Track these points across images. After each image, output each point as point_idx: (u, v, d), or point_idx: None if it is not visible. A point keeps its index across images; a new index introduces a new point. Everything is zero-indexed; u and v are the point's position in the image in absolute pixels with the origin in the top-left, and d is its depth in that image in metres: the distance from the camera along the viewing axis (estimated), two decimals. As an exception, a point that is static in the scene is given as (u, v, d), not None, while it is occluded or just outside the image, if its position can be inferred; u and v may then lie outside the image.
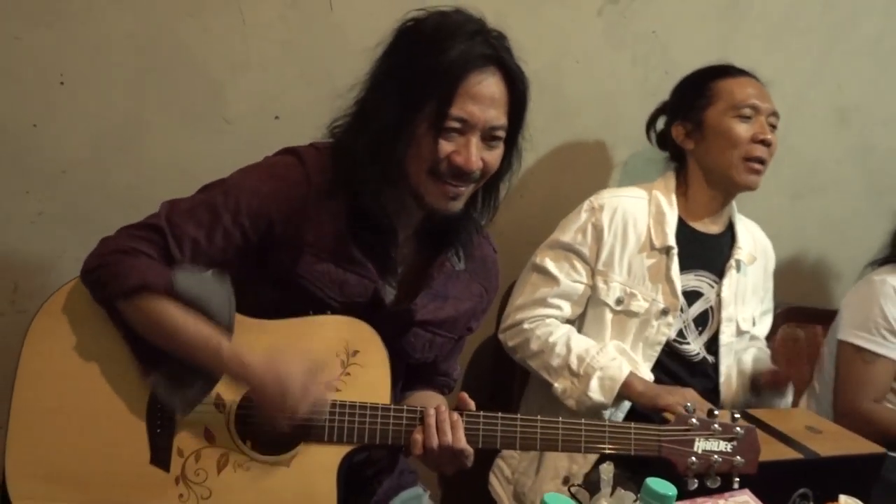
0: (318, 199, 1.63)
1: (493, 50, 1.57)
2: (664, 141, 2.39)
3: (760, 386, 2.30)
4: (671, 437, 1.68)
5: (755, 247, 2.41)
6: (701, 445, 1.69)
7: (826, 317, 2.77)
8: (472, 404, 1.64)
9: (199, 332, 1.53)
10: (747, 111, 2.23)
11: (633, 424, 1.68)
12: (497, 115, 1.59)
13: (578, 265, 2.25)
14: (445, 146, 1.57)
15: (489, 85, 1.57)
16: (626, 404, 2.20)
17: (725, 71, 2.30)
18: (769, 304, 2.50)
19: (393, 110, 1.57)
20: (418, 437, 1.60)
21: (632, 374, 2.13)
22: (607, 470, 1.47)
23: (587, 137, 2.59)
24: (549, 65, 2.46)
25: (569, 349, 2.17)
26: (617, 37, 2.52)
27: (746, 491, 1.75)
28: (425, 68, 1.55)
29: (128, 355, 1.58)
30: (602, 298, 2.23)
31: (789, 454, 1.93)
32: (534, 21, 2.42)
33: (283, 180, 1.64)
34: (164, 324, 1.54)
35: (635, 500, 1.42)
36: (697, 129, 2.29)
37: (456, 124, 1.56)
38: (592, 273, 2.24)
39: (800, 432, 2.08)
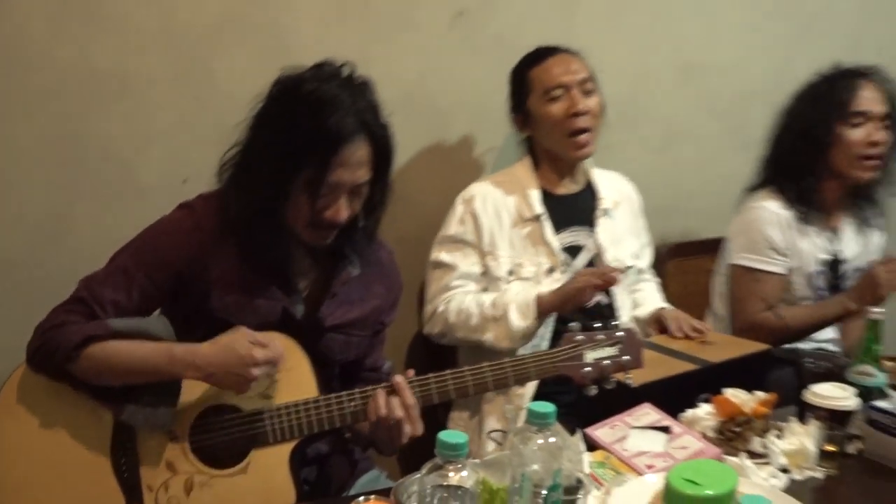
0: (214, 241, 1.73)
1: (361, 121, 1.66)
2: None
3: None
4: (563, 355, 1.79)
5: (618, 194, 2.51)
6: (590, 356, 1.79)
7: (708, 247, 2.87)
8: (411, 372, 1.75)
9: (148, 347, 1.64)
10: (557, 92, 2.32)
11: (527, 355, 1.80)
12: (363, 174, 1.70)
13: (468, 251, 2.35)
14: (318, 206, 1.69)
15: (358, 152, 1.67)
16: (552, 326, 2.30)
17: (536, 57, 2.39)
18: (645, 238, 2.60)
19: (271, 171, 1.67)
20: (374, 402, 1.70)
21: (538, 293, 2.23)
22: (510, 410, 1.57)
23: (463, 138, 2.69)
24: (417, 82, 2.55)
25: (480, 304, 2.28)
26: (470, 45, 2.62)
27: (647, 404, 1.88)
28: (303, 139, 1.64)
29: (82, 419, 1.66)
30: (496, 274, 2.33)
31: (685, 367, 2.04)
32: (395, 48, 2.51)
33: (178, 231, 1.75)
34: (117, 357, 1.63)
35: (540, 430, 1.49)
36: (527, 117, 2.40)
37: (329, 189, 1.67)
38: (482, 254, 2.34)
39: (693, 347, 2.20)
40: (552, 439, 1.33)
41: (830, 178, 2.58)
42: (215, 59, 2.31)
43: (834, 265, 2.62)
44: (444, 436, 1.24)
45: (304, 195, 1.68)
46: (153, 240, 1.76)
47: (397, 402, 1.70)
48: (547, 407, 1.33)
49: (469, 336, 2.29)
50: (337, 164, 1.65)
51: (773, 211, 2.58)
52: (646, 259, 2.60)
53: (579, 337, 1.80)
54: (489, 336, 2.26)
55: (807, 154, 2.55)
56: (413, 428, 1.71)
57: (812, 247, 2.60)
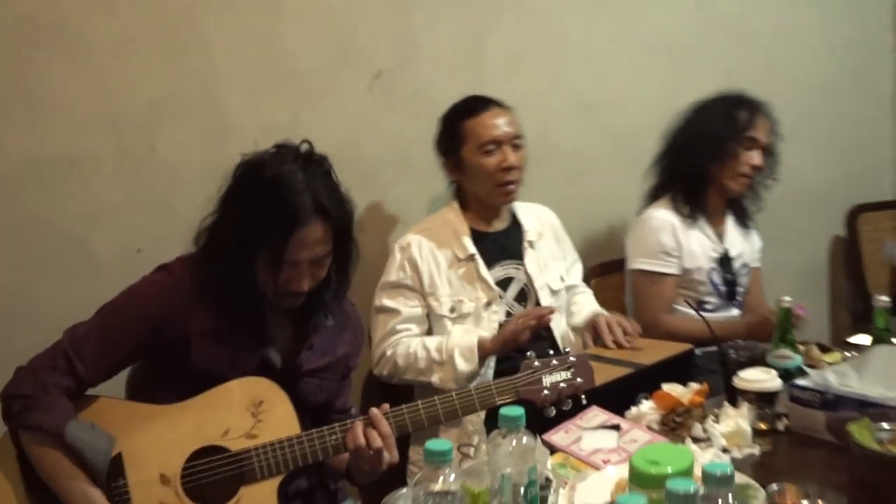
0: (193, 299, 1.80)
1: (316, 203, 1.75)
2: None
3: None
4: (524, 380, 1.90)
5: (540, 224, 2.62)
6: (548, 380, 1.91)
7: (618, 264, 2.98)
8: (385, 406, 1.84)
9: (73, 485, 1.68)
10: (490, 146, 2.42)
11: (492, 382, 1.90)
12: (321, 250, 1.79)
13: (409, 295, 2.41)
14: (281, 279, 1.78)
15: (314, 232, 1.76)
16: (492, 366, 2.39)
17: (472, 109, 2.46)
18: (572, 256, 2.70)
19: (237, 247, 1.76)
20: (352, 433, 1.78)
21: (480, 336, 2.33)
22: (476, 421, 1.67)
23: (392, 189, 2.79)
24: (347, 142, 2.65)
25: (426, 349, 2.35)
26: (390, 103, 2.74)
27: (594, 407, 2.00)
28: (262, 222, 1.74)
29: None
30: (439, 313, 2.40)
31: (622, 372, 2.17)
32: (323, 113, 2.62)
33: (158, 290, 1.82)
34: (47, 466, 1.69)
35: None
36: (459, 164, 2.48)
37: (289, 266, 1.77)
38: (423, 297, 2.42)
39: (627, 354, 2.32)
40: (524, 440, 1.42)
41: (714, 188, 2.80)
42: (157, 135, 2.39)
43: (724, 262, 2.84)
44: (430, 445, 1.32)
45: (267, 270, 1.78)
46: (135, 298, 1.83)
47: (375, 433, 1.78)
48: (517, 410, 1.42)
49: (417, 378, 2.36)
50: (294, 245, 1.75)
51: (663, 218, 2.77)
52: (576, 275, 2.70)
53: (536, 363, 1.92)
54: (436, 378, 2.32)
55: (699, 165, 2.75)
56: (391, 456, 1.81)
57: (702, 247, 2.80)
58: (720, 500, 1.15)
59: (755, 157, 2.74)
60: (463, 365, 2.30)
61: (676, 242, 2.75)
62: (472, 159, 2.45)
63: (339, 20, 2.65)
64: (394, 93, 2.75)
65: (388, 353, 2.39)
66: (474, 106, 2.49)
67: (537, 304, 2.51)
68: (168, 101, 2.39)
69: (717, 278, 2.81)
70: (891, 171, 4.13)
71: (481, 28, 2.92)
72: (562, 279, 2.61)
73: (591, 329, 2.47)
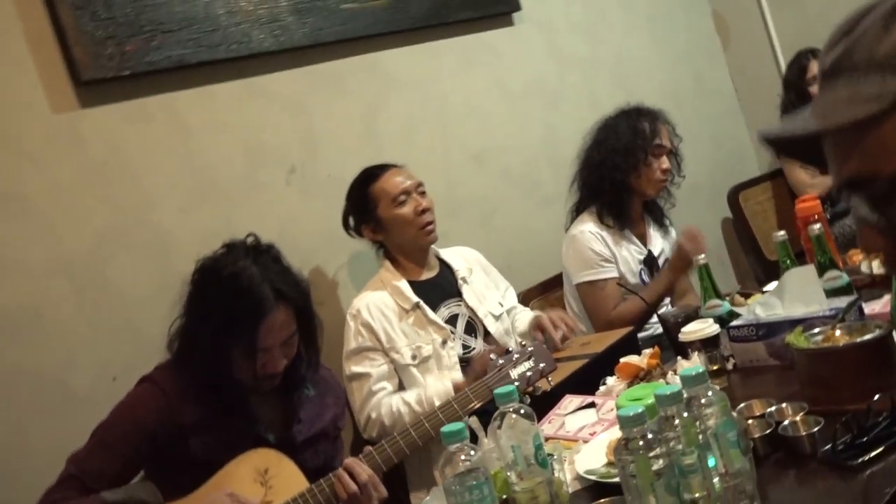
0: (179, 399, 1.85)
1: (275, 290, 1.82)
2: (362, 234, 2.63)
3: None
4: (494, 379, 2.00)
5: (466, 262, 2.71)
6: (515, 372, 2.01)
7: (548, 286, 3.14)
8: (368, 448, 1.90)
9: None
10: (402, 197, 2.53)
11: (467, 387, 1.99)
12: (288, 331, 1.88)
13: (374, 356, 2.45)
14: (258, 364, 1.84)
15: (280, 317, 1.83)
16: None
17: (372, 175, 2.57)
18: (503, 283, 2.80)
19: (208, 347, 1.83)
20: (338, 485, 1.82)
21: (453, 380, 2.39)
22: (474, 421, 1.74)
23: (326, 268, 2.85)
24: (279, 234, 2.52)
25: (408, 403, 2.38)
26: (308, 191, 2.83)
27: (567, 396, 2.10)
28: (227, 319, 1.79)
29: None
30: (403, 363, 2.45)
31: (579, 363, 2.29)
32: (250, 212, 2.67)
33: (146, 400, 1.88)
34: None
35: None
36: (378, 225, 2.57)
37: (262, 353, 1.84)
38: (385, 353, 2.46)
39: (577, 350, 2.44)
40: (522, 411, 1.52)
41: (633, 196, 2.91)
42: (107, 267, 2.42)
43: (649, 261, 2.96)
44: (445, 430, 1.40)
45: (242, 360, 1.84)
46: (126, 411, 1.87)
47: (354, 481, 1.83)
48: (507, 388, 1.51)
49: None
50: (263, 333, 1.82)
51: (591, 231, 2.87)
52: (511, 298, 2.80)
53: (501, 361, 2.01)
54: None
55: (617, 177, 2.85)
56: (378, 492, 1.86)
57: (629, 252, 2.92)
58: (702, 398, 1.26)
59: (665, 162, 2.86)
60: None
61: (609, 250, 2.85)
62: (390, 214, 2.54)
63: (246, 129, 2.73)
64: (310, 182, 2.84)
65: (373, 416, 2.40)
66: (374, 172, 2.60)
67: (485, 331, 2.59)
68: (110, 233, 2.42)
69: (646, 276, 2.92)
70: (751, 152, 4.39)
71: (372, 108, 3.03)
72: (500, 304, 2.69)
73: (536, 328, 2.55)
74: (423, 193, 2.59)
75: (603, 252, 2.85)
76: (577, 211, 2.98)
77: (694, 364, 1.93)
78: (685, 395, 1.26)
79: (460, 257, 2.73)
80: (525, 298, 3.04)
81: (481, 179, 3.31)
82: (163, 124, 2.57)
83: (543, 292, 3.14)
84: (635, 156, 2.82)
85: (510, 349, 2.06)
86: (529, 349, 2.04)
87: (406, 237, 2.57)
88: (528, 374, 2.01)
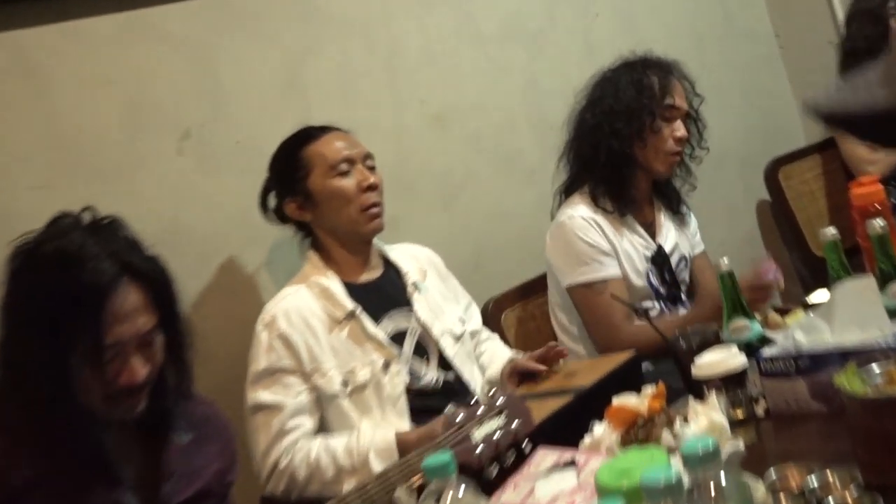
0: (7, 443, 1.69)
1: (120, 264, 1.67)
2: (284, 217, 2.55)
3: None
4: (449, 441, 1.81)
5: (420, 263, 2.64)
6: (479, 433, 1.81)
7: (537, 286, 3.03)
8: None
9: None
10: (343, 166, 2.46)
11: (413, 452, 1.84)
12: (145, 321, 1.71)
13: (290, 380, 2.33)
14: (108, 374, 1.68)
15: (129, 298, 1.69)
16: None
17: (308, 136, 2.51)
18: (465, 297, 2.73)
19: (41, 357, 1.65)
20: None
21: (396, 432, 2.27)
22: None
23: (235, 261, 2.76)
24: (169, 219, 2.62)
25: (332, 453, 2.27)
26: (207, 163, 2.72)
27: (540, 449, 1.94)
28: (60, 309, 1.64)
29: None
30: (329, 392, 2.34)
31: (562, 401, 2.14)
32: (132, 193, 2.58)
33: None
34: None
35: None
36: (308, 199, 2.48)
37: (112, 352, 1.67)
38: (306, 377, 2.34)
39: (561, 382, 2.31)
40: (462, 491, 1.37)
41: (638, 172, 2.83)
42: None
43: (659, 260, 2.86)
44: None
45: (87, 368, 1.67)
46: None
47: None
48: (441, 458, 1.36)
49: (324, 490, 2.28)
50: (109, 322, 1.66)
51: (584, 216, 2.78)
52: (475, 318, 2.72)
53: (460, 417, 1.83)
54: (349, 487, 2.23)
55: (616, 147, 2.78)
56: None
57: (633, 246, 2.82)
58: (711, 484, 1.11)
59: (679, 128, 2.78)
60: (380, 467, 2.20)
61: (608, 240, 2.77)
62: (325, 186, 2.45)
63: (125, 80, 2.63)
64: (210, 151, 2.73)
65: (283, 464, 2.29)
66: (310, 133, 2.52)
67: (440, 355, 2.50)
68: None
69: (654, 280, 2.83)
70: (795, 116, 4.32)
71: (296, 55, 2.93)
72: (461, 322, 2.61)
73: (513, 375, 2.46)
74: (371, 168, 2.53)
75: (600, 243, 2.76)
76: (567, 192, 2.91)
77: (710, 413, 1.80)
78: (686, 485, 1.11)
79: (411, 257, 2.65)
80: (498, 308, 2.96)
81: (443, 148, 3.23)
82: (8, 73, 2.45)
83: (522, 298, 3.05)
84: (640, 119, 2.76)
85: (475, 399, 1.92)
86: (500, 400, 1.87)
87: (342, 219, 2.47)
88: (497, 435, 1.85)
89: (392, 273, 2.58)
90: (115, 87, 2.61)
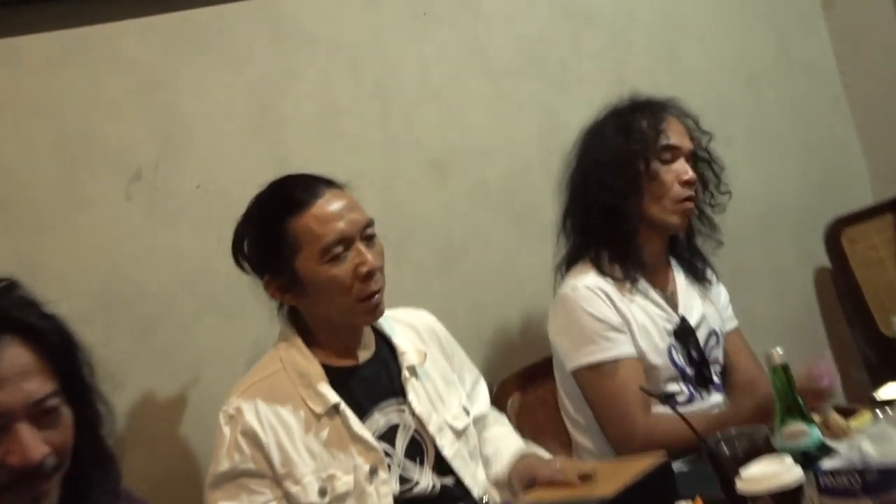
0: None
1: (7, 319, 1.62)
2: (265, 286, 2.45)
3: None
4: None
5: (419, 338, 2.56)
6: None
7: (542, 369, 3.00)
8: None
9: None
10: (338, 249, 2.32)
11: None
12: (38, 387, 1.64)
13: (257, 484, 2.28)
14: None
15: (16, 357, 1.63)
16: None
17: (296, 202, 2.37)
18: (471, 372, 2.68)
19: None
20: None
21: None
22: None
23: (193, 333, 2.73)
24: (109, 270, 2.58)
25: None
26: (161, 210, 2.70)
27: None
28: None
29: None
30: (304, 501, 2.28)
31: None
32: (69, 246, 2.55)
33: None
34: None
35: None
36: (293, 283, 2.36)
37: None
38: (277, 483, 2.29)
39: (572, 490, 2.24)
40: None
41: (646, 229, 2.80)
42: None
43: (682, 334, 2.81)
44: None
45: None
46: None
47: None
48: None
49: None
50: None
51: (590, 286, 2.75)
52: (482, 399, 2.66)
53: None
54: None
55: (613, 203, 2.76)
56: None
57: (651, 318, 2.78)
58: None
59: (684, 170, 2.76)
60: None
61: (619, 315, 2.74)
62: (315, 273, 2.34)
63: (65, 110, 2.61)
64: (164, 196, 2.70)
65: None
66: (297, 196, 2.38)
67: (437, 454, 2.44)
68: None
69: (679, 358, 2.78)
70: (862, 167, 4.32)
71: (269, 84, 2.92)
72: (465, 411, 2.55)
73: (522, 479, 2.41)
74: (370, 239, 2.40)
75: (608, 317, 2.72)
76: (567, 265, 2.89)
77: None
78: None
79: (408, 329, 2.58)
80: (504, 391, 2.94)
81: (442, 199, 3.22)
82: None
83: (533, 382, 3.02)
84: (632, 166, 2.76)
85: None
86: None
87: (336, 310, 2.39)
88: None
89: (385, 352, 2.51)
90: (53, 118, 2.59)
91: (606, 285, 2.76)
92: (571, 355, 2.75)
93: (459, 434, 2.48)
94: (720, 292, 2.98)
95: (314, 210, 2.35)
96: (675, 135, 2.79)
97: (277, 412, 2.32)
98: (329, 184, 2.42)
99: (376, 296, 2.37)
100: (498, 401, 2.87)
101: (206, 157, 2.77)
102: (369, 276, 2.34)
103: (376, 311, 2.40)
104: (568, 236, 2.90)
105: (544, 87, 3.48)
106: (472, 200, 3.27)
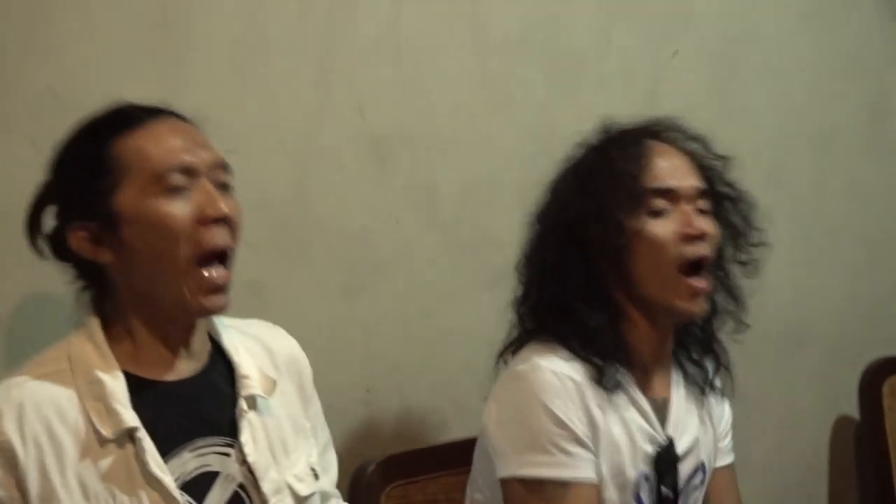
0: None
1: None
2: (64, 251, 2.38)
3: None
4: None
5: (270, 361, 2.50)
6: None
7: (457, 452, 2.97)
8: None
9: None
10: (177, 178, 2.24)
11: None
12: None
13: None
14: None
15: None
16: None
17: (125, 119, 2.31)
18: (325, 435, 2.61)
19: None
20: None
21: None
22: None
23: None
24: None
25: None
26: None
27: None
28: None
29: None
30: None
31: None
32: None
33: None
34: None
35: None
36: (108, 228, 2.27)
37: None
38: None
39: None
40: None
41: (636, 310, 2.70)
42: None
43: (663, 465, 2.73)
44: None
45: None
46: None
47: None
48: None
49: None
50: None
51: (557, 372, 2.63)
52: (331, 471, 2.61)
53: None
54: None
55: (588, 273, 2.67)
56: None
57: (628, 435, 2.68)
58: None
59: (687, 221, 2.64)
60: None
61: (589, 422, 2.64)
62: (141, 209, 2.25)
63: None
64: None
65: None
66: (128, 115, 2.33)
67: None
68: None
69: (646, 497, 2.71)
70: None
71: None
72: (314, 474, 2.49)
73: None
74: (224, 187, 2.33)
75: (573, 422, 2.60)
76: (526, 338, 2.79)
77: None
78: None
79: (260, 348, 2.51)
80: (382, 477, 2.94)
81: (372, 194, 3.24)
82: None
83: (429, 470, 3.06)
84: (611, 219, 2.64)
85: None
86: None
87: (161, 276, 2.28)
88: None
89: (220, 371, 2.43)
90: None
91: (579, 376, 2.65)
92: (509, 459, 2.64)
93: (301, 500, 2.43)
94: (723, 412, 2.90)
95: (149, 128, 2.30)
96: (668, 171, 2.67)
97: (49, 426, 2.22)
98: (174, 113, 2.39)
99: (217, 266, 2.29)
100: (370, 488, 2.92)
101: (69, 56, 2.76)
102: (217, 221, 2.27)
103: (212, 291, 2.30)
104: (527, 305, 2.82)
105: (546, 81, 3.49)
106: (411, 206, 3.28)
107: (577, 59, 3.54)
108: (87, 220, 2.27)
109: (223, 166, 2.32)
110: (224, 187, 2.30)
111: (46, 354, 2.32)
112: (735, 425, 3.00)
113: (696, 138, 2.75)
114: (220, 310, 2.32)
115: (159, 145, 2.27)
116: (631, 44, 3.64)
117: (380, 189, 3.22)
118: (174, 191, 2.22)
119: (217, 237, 2.25)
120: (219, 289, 2.28)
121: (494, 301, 2.96)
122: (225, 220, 2.26)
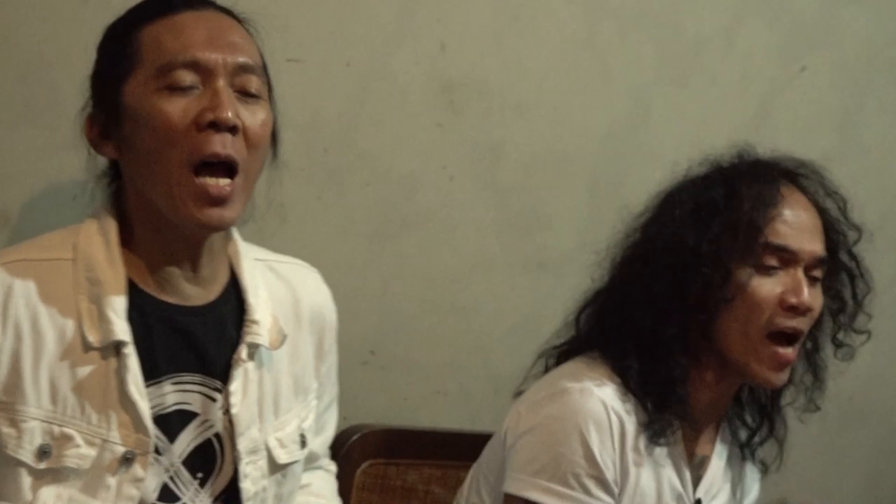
0: None
1: None
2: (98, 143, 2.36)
3: None
4: None
5: (292, 309, 2.46)
6: None
7: (457, 440, 3.02)
8: None
9: None
10: (182, 76, 2.18)
11: None
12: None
13: None
14: None
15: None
16: None
17: (157, 8, 2.26)
18: (332, 393, 2.59)
19: None
20: None
21: None
22: None
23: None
24: None
25: None
26: None
27: None
28: None
29: None
30: (14, 454, 2.15)
31: None
32: None
33: None
34: None
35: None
36: (115, 121, 2.24)
37: None
38: None
39: None
40: None
41: (709, 361, 2.64)
42: None
43: None
44: None
45: None
46: None
47: None
48: None
49: None
50: None
51: (608, 405, 2.58)
52: (326, 430, 2.63)
53: None
54: None
55: (678, 314, 2.60)
56: None
57: (658, 491, 2.65)
58: None
59: (794, 288, 2.55)
60: None
61: (621, 467, 2.59)
62: (141, 102, 2.20)
63: None
64: None
65: None
66: (169, 1, 2.28)
67: (231, 484, 2.34)
68: None
69: None
70: None
71: None
72: (301, 441, 2.43)
73: None
74: (248, 95, 2.25)
75: (605, 464, 2.56)
76: (573, 353, 2.74)
77: None
78: None
79: (285, 291, 2.46)
80: (361, 451, 2.95)
81: (432, 143, 3.19)
82: None
83: (421, 456, 3.07)
84: (726, 264, 2.57)
85: None
86: None
87: (153, 179, 2.23)
88: None
89: (231, 308, 2.38)
90: None
91: (627, 416, 2.60)
92: (523, 476, 2.59)
93: (277, 470, 2.38)
94: (753, 488, 2.87)
95: (178, 19, 2.26)
96: (794, 229, 2.58)
97: (35, 317, 2.18)
98: (222, 10, 2.36)
99: (222, 183, 2.20)
100: (349, 461, 2.92)
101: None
102: (216, 127, 2.18)
103: (213, 204, 2.22)
104: (598, 315, 2.76)
105: (654, 63, 3.44)
106: (469, 163, 3.23)
107: (694, 47, 3.49)
108: (99, 109, 2.28)
109: (253, 71, 2.25)
110: (249, 95, 2.23)
111: (51, 237, 2.32)
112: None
113: (834, 195, 2.67)
114: (216, 225, 2.25)
115: (177, 38, 2.24)
116: (756, 46, 3.58)
117: (439, 136, 3.17)
118: (178, 88, 2.19)
119: (216, 144, 2.18)
120: (214, 201, 2.20)
121: (534, 287, 3.03)
122: (232, 128, 2.18)
